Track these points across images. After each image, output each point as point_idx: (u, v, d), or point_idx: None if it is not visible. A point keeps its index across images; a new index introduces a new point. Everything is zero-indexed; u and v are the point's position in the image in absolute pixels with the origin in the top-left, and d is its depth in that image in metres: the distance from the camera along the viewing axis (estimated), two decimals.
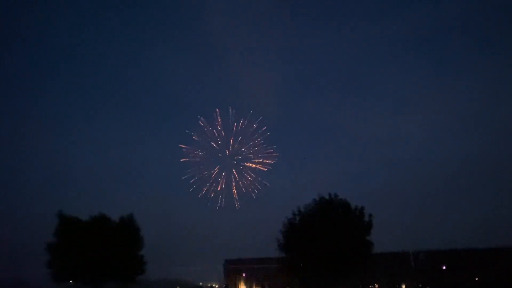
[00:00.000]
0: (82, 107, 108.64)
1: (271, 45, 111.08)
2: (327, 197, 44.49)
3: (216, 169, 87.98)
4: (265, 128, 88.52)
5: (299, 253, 42.82)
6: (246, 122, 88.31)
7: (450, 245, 66.09)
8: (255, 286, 71.01)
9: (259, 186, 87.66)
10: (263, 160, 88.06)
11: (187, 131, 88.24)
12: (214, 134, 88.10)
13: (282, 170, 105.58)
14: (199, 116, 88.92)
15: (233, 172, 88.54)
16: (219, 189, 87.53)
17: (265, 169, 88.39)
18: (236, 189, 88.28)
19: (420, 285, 61.97)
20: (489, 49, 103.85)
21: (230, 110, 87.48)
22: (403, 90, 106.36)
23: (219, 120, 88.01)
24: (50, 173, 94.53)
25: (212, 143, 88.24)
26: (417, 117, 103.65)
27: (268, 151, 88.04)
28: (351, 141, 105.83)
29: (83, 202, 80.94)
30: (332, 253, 40.56)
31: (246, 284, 71.63)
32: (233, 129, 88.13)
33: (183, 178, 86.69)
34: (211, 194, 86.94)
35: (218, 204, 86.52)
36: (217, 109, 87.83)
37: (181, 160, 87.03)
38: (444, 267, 63.48)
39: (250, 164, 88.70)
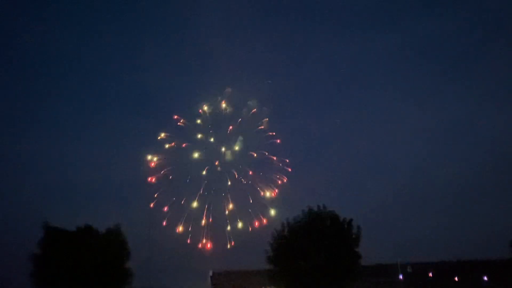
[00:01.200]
0: (71, 117, 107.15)
1: (262, 59, 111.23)
2: (315, 209, 44.78)
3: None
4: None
5: (288, 265, 42.79)
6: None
7: (438, 257, 66.63)
8: None
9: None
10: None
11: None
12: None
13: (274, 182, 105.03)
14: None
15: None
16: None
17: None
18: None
19: None
20: (487, 57, 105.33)
21: None
22: (395, 100, 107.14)
23: None
24: (36, 183, 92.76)
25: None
26: (406, 130, 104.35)
27: None
28: (340, 153, 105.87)
29: (70, 213, 79.59)
30: (320, 265, 40.68)
31: None
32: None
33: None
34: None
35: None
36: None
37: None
38: (431, 279, 63.88)
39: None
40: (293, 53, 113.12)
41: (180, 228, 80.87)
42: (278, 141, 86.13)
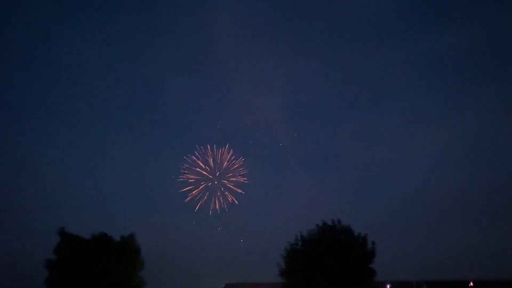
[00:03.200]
0: (89, 125, 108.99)
1: (275, 69, 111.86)
2: (330, 223, 44.32)
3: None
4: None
5: (301, 279, 42.32)
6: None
7: (453, 276, 65.10)
8: None
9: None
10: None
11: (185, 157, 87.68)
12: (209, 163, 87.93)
13: (284, 194, 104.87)
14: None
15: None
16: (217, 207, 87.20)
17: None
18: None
19: None
20: (499, 78, 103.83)
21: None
22: (410, 118, 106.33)
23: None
24: (53, 190, 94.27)
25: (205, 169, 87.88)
26: (424, 145, 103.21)
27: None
28: (355, 168, 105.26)
29: (86, 220, 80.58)
30: (334, 281, 40.13)
31: None
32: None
33: (185, 200, 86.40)
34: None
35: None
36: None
37: (179, 179, 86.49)
38: None
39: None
40: (308, 64, 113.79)
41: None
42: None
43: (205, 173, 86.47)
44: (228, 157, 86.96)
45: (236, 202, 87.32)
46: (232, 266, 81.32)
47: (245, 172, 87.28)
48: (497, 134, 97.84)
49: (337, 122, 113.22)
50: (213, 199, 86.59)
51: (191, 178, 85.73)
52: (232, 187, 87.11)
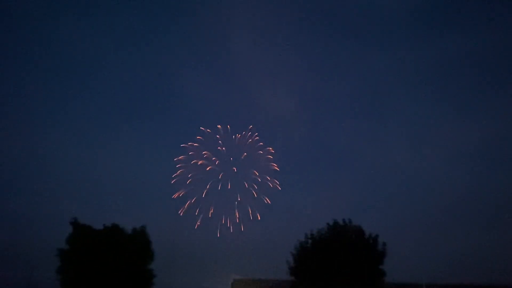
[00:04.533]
0: (101, 117, 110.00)
1: (290, 69, 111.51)
2: (341, 222, 44.12)
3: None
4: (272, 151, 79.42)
5: (309, 278, 42.24)
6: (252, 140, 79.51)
7: (466, 280, 64.24)
8: None
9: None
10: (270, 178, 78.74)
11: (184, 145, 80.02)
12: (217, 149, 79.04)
13: (297, 193, 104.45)
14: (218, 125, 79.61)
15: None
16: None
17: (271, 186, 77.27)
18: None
19: None
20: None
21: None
22: (423, 120, 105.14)
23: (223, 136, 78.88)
24: (66, 181, 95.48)
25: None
26: (437, 147, 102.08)
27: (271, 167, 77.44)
28: (368, 169, 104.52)
29: (98, 211, 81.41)
30: (343, 280, 39.96)
31: None
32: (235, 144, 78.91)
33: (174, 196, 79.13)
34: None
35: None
36: (219, 126, 77.29)
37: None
38: None
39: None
40: (323, 66, 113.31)
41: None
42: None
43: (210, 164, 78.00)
44: (252, 140, 76.78)
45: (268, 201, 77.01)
46: (240, 262, 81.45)
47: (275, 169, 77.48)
48: (508, 136, 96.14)
49: (351, 122, 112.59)
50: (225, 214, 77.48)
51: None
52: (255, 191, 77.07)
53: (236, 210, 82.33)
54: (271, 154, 78.53)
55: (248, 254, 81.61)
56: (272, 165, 78.85)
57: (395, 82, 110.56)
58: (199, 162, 76.63)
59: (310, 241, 44.19)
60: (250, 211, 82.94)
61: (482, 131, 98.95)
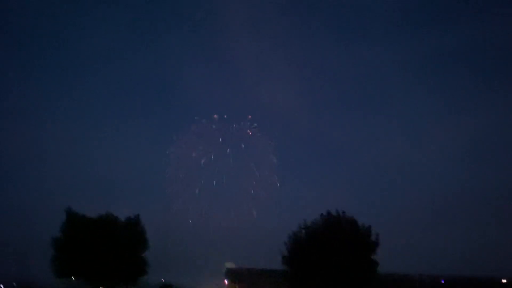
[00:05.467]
0: (92, 107, 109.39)
1: (286, 62, 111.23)
2: (334, 213, 44.29)
3: None
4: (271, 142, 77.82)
5: (303, 268, 42.49)
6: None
7: (458, 272, 65.01)
8: None
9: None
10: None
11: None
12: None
13: (291, 184, 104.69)
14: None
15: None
16: None
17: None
18: None
19: None
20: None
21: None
22: (421, 115, 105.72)
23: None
24: (60, 170, 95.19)
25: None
26: (433, 141, 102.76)
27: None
28: (362, 161, 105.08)
29: (92, 200, 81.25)
30: (336, 270, 40.25)
31: None
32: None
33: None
34: None
35: None
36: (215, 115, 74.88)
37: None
38: None
39: None
40: (322, 60, 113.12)
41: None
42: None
43: None
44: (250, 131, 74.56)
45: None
46: (234, 252, 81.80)
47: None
48: (507, 131, 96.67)
49: (349, 116, 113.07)
50: None
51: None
52: None
53: (230, 203, 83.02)
54: (269, 145, 77.25)
55: (242, 244, 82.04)
56: (271, 156, 79.34)
57: (393, 76, 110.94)
58: (193, 155, 77.42)
59: (303, 231, 44.34)
60: (245, 204, 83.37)
61: (477, 126, 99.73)
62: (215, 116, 78.56)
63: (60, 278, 45.00)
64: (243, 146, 78.52)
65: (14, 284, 59.24)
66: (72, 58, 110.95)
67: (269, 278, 65.03)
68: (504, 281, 60.64)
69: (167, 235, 76.63)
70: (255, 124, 76.64)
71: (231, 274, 73.43)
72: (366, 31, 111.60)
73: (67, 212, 44.34)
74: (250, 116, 78.67)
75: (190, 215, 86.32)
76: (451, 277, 64.17)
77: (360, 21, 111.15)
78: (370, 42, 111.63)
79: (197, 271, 76.09)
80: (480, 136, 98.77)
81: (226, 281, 72.14)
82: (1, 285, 60.20)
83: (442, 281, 62.37)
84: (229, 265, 74.16)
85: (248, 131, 77.43)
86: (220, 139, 77.99)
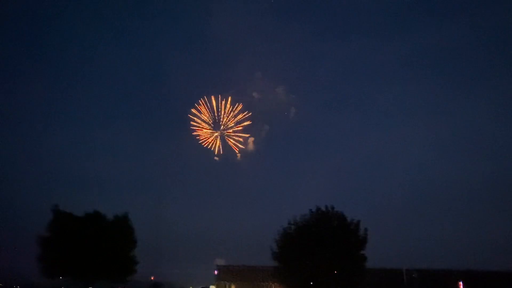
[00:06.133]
0: (80, 106, 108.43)
1: (276, 55, 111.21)
2: (323, 208, 44.45)
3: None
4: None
5: (293, 263, 42.55)
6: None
7: (445, 266, 65.79)
8: None
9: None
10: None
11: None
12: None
13: (279, 179, 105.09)
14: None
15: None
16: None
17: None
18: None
19: None
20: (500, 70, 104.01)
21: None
22: (406, 107, 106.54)
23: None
24: (46, 169, 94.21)
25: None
26: (423, 133, 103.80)
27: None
28: (351, 156, 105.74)
29: (79, 199, 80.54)
30: (325, 265, 40.41)
31: None
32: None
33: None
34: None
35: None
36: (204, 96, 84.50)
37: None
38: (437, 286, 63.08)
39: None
40: (311, 52, 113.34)
41: None
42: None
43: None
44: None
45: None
46: (225, 249, 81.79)
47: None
48: (494, 126, 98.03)
49: (336, 110, 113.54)
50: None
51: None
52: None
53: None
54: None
55: (232, 241, 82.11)
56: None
57: (380, 71, 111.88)
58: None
59: (293, 227, 44.45)
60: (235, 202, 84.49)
61: (467, 119, 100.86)
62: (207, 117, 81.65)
63: (47, 278, 44.24)
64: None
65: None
66: (59, 59, 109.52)
67: (259, 274, 65.29)
68: None
69: (157, 234, 76.54)
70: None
71: (222, 271, 73.39)
72: (355, 25, 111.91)
73: (54, 210, 43.64)
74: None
75: (181, 213, 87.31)
76: (440, 270, 65.07)
77: (352, 16, 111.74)
78: (360, 37, 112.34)
79: (188, 268, 76.03)
80: (468, 130, 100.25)
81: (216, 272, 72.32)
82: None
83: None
84: (220, 262, 74.20)
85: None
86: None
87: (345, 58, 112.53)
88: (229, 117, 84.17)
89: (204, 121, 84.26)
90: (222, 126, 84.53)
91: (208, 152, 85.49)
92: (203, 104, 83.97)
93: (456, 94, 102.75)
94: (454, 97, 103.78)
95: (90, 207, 46.04)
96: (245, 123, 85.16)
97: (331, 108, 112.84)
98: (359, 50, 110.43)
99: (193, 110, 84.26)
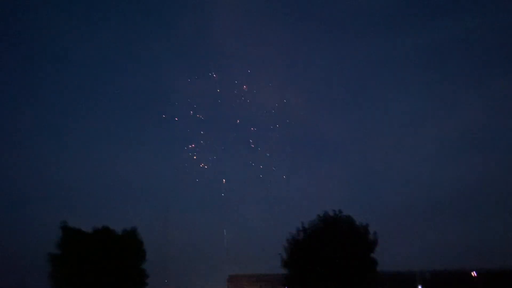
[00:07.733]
0: (85, 117, 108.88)
1: (278, 57, 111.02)
2: (331, 213, 44.37)
3: None
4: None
5: (303, 270, 42.44)
6: None
7: (458, 266, 64.96)
8: None
9: None
10: None
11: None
12: None
13: (287, 185, 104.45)
14: None
15: None
16: None
17: None
18: None
19: None
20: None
21: None
22: (416, 109, 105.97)
23: None
24: (54, 185, 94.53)
25: None
26: (428, 134, 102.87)
27: None
28: (359, 159, 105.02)
29: (87, 214, 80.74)
30: (335, 271, 40.22)
31: None
32: None
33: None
34: None
35: None
36: None
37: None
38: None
39: None
40: (312, 56, 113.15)
41: None
42: None
43: None
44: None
45: None
46: (236, 258, 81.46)
47: None
48: (502, 125, 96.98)
49: (342, 113, 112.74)
50: None
51: None
52: None
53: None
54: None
55: (243, 250, 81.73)
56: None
57: (386, 71, 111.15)
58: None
59: (301, 233, 44.39)
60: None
61: (477, 119, 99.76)
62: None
63: None
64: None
65: None
66: (62, 70, 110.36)
67: (270, 281, 65.01)
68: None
69: (166, 246, 76.51)
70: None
71: (234, 281, 73.16)
72: (357, 26, 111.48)
73: (63, 227, 44.00)
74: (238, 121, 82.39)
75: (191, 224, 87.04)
76: (452, 271, 64.29)
77: (352, 16, 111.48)
78: (363, 37, 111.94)
79: (199, 279, 75.82)
80: (473, 131, 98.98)
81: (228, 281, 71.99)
82: None
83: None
84: (231, 272, 73.96)
85: None
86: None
87: (351, 59, 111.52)
88: None
89: None
90: None
91: None
92: None
93: (467, 93, 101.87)
94: (465, 97, 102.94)
95: (99, 222, 46.34)
96: None
97: (338, 111, 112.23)
98: (363, 49, 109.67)
99: None
